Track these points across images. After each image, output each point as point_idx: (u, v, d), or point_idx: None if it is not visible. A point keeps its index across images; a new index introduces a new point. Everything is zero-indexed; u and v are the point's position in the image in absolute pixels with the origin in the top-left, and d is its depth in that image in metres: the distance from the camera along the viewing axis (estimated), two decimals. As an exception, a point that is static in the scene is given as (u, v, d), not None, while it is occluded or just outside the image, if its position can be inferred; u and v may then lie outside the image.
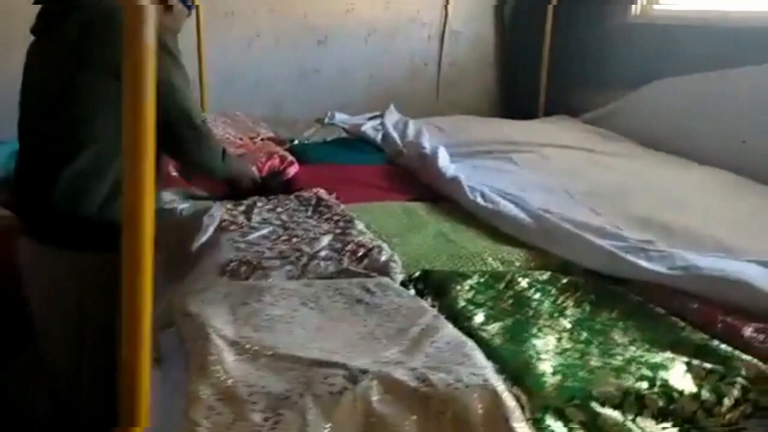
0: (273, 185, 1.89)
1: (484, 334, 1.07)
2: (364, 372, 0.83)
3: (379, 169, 2.23)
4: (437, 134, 2.69)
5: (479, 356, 0.92)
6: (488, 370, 0.88)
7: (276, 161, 2.13)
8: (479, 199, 1.76)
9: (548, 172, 2.21)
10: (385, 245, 1.40)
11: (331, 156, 2.38)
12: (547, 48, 3.35)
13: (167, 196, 1.73)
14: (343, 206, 1.65)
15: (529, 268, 1.44)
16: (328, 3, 3.39)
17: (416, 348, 0.96)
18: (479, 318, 1.16)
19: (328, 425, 0.75)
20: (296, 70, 3.43)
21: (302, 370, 0.85)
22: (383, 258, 1.33)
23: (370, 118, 2.95)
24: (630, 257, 1.37)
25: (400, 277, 1.30)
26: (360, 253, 1.34)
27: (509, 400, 0.82)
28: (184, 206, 1.52)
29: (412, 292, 1.25)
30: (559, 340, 1.09)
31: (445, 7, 3.57)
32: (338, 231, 1.44)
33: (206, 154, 1.55)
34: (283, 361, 0.87)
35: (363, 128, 2.78)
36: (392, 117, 2.89)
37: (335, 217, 1.53)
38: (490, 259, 1.46)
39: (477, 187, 1.87)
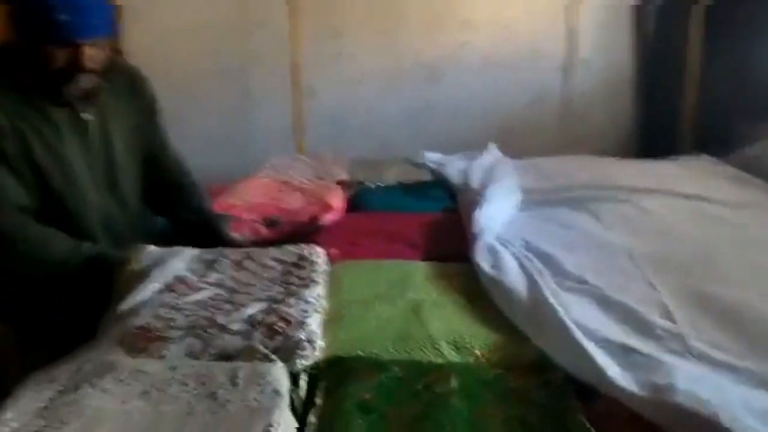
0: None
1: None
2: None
3: (431, 219, 2.01)
4: (534, 177, 2.41)
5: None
6: None
7: (315, 207, 2.05)
8: (484, 263, 1.48)
9: (627, 227, 1.83)
10: (315, 320, 1.22)
11: (391, 202, 2.22)
12: (695, 71, 2.83)
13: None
14: (323, 267, 1.49)
15: (493, 361, 1.15)
16: (440, 38, 3.24)
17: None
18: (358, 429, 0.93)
19: None
20: (406, 108, 3.33)
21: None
22: (299, 336, 1.15)
23: (467, 158, 2.72)
24: (599, 359, 1.02)
25: (305, 363, 1.11)
26: (277, 328, 1.17)
27: None
28: (149, 251, 1.47)
29: (303, 383, 1.05)
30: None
31: (572, 35, 3.22)
32: (279, 298, 1.29)
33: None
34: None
35: (446, 170, 2.57)
36: (488, 157, 2.64)
37: (296, 280, 1.38)
38: (444, 344, 1.20)
39: (500, 246, 1.59)
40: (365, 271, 1.53)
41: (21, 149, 1.40)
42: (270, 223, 2.01)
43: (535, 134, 3.28)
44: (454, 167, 2.56)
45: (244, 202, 2.08)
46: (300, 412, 1.01)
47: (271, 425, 0.89)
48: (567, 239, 1.74)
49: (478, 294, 1.41)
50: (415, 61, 3.25)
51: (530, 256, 1.58)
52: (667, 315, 1.33)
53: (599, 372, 1.02)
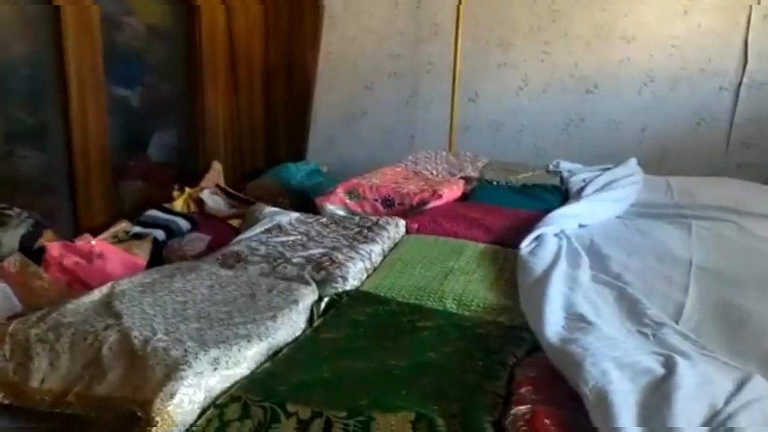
0: None
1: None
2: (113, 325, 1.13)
3: (524, 214, 2.22)
4: (659, 193, 2.49)
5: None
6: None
7: (426, 194, 2.37)
8: (524, 247, 1.69)
9: (712, 245, 1.88)
10: (356, 266, 1.57)
11: (500, 197, 2.45)
12: None
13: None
14: (393, 234, 1.83)
15: (481, 317, 1.39)
16: (601, 52, 3.34)
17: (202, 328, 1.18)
18: (329, 333, 1.26)
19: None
20: (562, 119, 3.47)
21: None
22: (337, 273, 1.51)
23: (605, 169, 2.83)
24: (550, 319, 1.22)
25: (333, 291, 1.46)
26: (323, 265, 1.54)
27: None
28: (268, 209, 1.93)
29: (323, 305, 1.40)
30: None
31: (745, 53, 3.10)
32: (338, 247, 1.66)
33: None
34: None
35: (573, 177, 2.72)
36: (620, 170, 2.74)
37: (361, 238, 1.74)
38: (450, 299, 1.46)
39: (552, 238, 1.78)
40: (426, 242, 1.82)
41: None
42: (386, 202, 2.38)
43: (697, 156, 3.21)
44: (580, 176, 2.70)
45: (370, 182, 2.47)
46: (313, 321, 1.36)
47: (275, 316, 1.26)
48: (634, 245, 1.85)
49: (510, 272, 1.63)
50: (573, 74, 3.38)
51: (579, 249, 1.74)
52: (676, 315, 1.43)
53: (543, 326, 1.21)
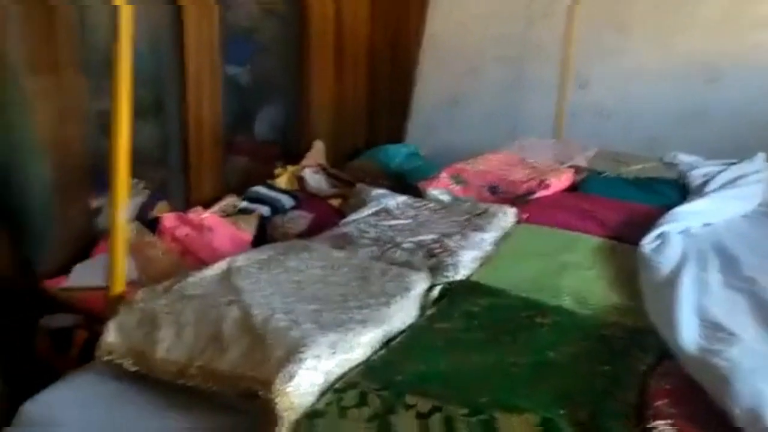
0: None
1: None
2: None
3: (640, 209, 2.10)
4: None
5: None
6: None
7: (534, 183, 2.29)
8: (646, 245, 1.59)
9: None
10: (468, 254, 1.53)
11: (613, 190, 2.33)
12: None
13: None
14: (504, 223, 1.77)
15: (603, 317, 1.32)
16: (727, 38, 3.10)
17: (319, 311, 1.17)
18: (442, 323, 1.23)
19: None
20: (680, 108, 3.26)
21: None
22: (448, 261, 1.47)
23: (729, 164, 2.65)
24: (684, 325, 1.13)
25: (445, 280, 1.42)
26: (435, 252, 1.51)
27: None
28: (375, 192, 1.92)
29: (435, 293, 1.37)
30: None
31: None
32: (450, 234, 1.62)
33: None
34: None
35: (693, 172, 2.55)
36: (747, 165, 2.55)
37: (472, 226, 1.69)
38: (567, 296, 1.40)
39: (676, 236, 1.67)
40: (538, 233, 1.75)
41: None
42: (492, 189, 2.32)
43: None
44: (701, 171, 2.53)
45: (476, 168, 2.41)
46: (425, 308, 1.33)
47: (389, 302, 1.24)
48: (764, 247, 1.70)
49: (629, 270, 1.54)
50: (695, 61, 3.16)
51: (706, 249, 1.62)
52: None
53: (676, 332, 1.13)
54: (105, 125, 2.49)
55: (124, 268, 1.26)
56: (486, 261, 1.58)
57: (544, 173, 2.41)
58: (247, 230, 2.41)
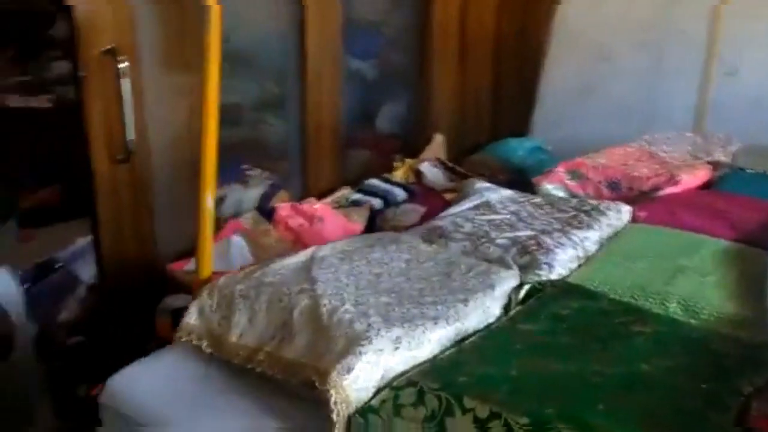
0: None
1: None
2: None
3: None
4: None
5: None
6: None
7: (662, 179, 2.11)
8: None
9: None
10: (566, 253, 1.42)
11: (754, 188, 2.08)
12: None
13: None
14: (614, 221, 1.63)
15: (712, 333, 1.17)
16: None
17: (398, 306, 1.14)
18: (526, 325, 1.15)
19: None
20: None
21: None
22: (543, 260, 1.38)
23: None
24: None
25: (536, 279, 1.33)
26: (529, 249, 1.42)
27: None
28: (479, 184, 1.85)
29: (523, 292, 1.28)
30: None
31: None
32: (548, 230, 1.52)
33: None
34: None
35: None
36: None
37: (576, 223, 1.58)
38: (675, 303, 1.25)
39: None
40: (655, 234, 1.59)
41: None
42: (612, 185, 2.15)
43: None
44: None
45: (596, 162, 2.25)
46: (510, 308, 1.25)
47: (467, 299, 1.18)
48: None
49: (756, 277, 1.35)
50: None
51: None
52: None
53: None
54: (227, 119, 2.64)
55: (210, 252, 1.31)
56: (587, 261, 1.46)
57: (675, 169, 2.20)
58: (358, 221, 2.43)
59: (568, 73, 3.56)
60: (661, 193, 2.01)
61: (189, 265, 2.20)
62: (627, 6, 3.35)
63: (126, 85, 1.88)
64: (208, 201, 1.26)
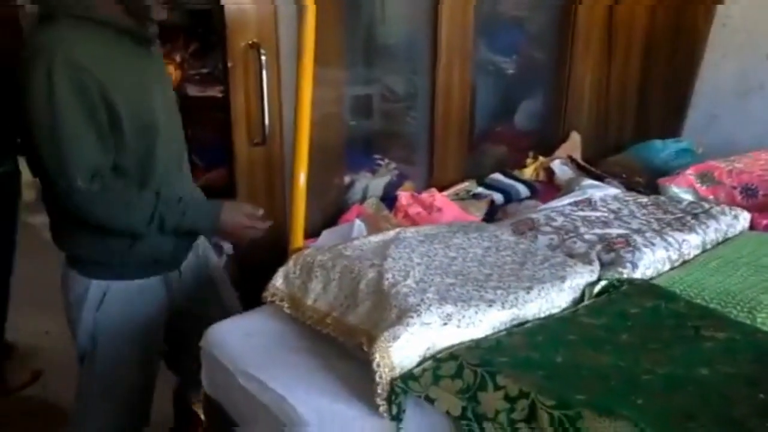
0: None
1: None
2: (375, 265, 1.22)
3: None
4: None
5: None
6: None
7: None
8: None
9: None
10: (653, 253, 1.37)
11: None
12: None
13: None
14: (722, 226, 1.55)
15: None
16: None
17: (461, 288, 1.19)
18: (589, 318, 1.15)
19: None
20: None
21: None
22: (627, 258, 1.35)
23: None
24: None
25: (617, 276, 1.31)
26: (615, 247, 1.39)
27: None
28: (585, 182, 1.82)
29: (598, 288, 1.27)
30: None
31: None
32: (642, 230, 1.47)
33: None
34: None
35: None
36: None
37: (677, 225, 1.52)
38: (764, 313, 1.17)
39: None
40: (768, 242, 1.48)
41: (104, 100, 1.31)
42: (747, 191, 2.01)
43: None
44: None
45: (732, 166, 2.09)
46: (580, 302, 1.25)
47: (531, 287, 1.19)
48: None
49: None
50: None
51: None
52: None
53: None
54: (357, 109, 2.79)
55: (302, 225, 1.43)
56: (683, 264, 1.40)
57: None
58: (476, 214, 2.48)
59: (727, 72, 3.31)
60: None
61: (316, 242, 2.38)
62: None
63: (266, 75, 2.07)
64: (301, 179, 1.39)
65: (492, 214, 2.48)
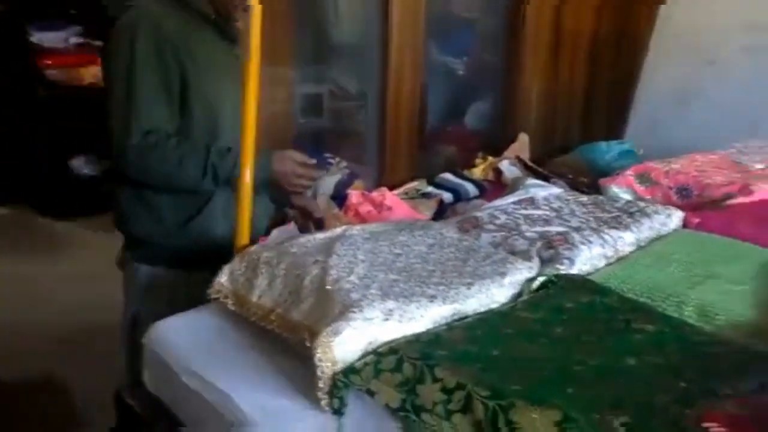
0: None
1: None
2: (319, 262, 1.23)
3: None
4: None
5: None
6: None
7: (734, 188, 2.02)
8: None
9: None
10: (590, 251, 1.43)
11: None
12: None
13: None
14: (655, 225, 1.61)
15: (718, 338, 1.15)
16: None
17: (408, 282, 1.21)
18: (526, 313, 1.19)
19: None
20: None
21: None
22: (565, 254, 1.40)
23: None
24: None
25: (554, 272, 1.35)
26: (554, 244, 1.44)
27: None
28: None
29: (536, 284, 1.31)
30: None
31: None
32: (580, 228, 1.53)
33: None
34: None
35: None
36: None
37: (613, 222, 1.57)
38: (691, 307, 1.23)
39: None
40: (700, 240, 1.55)
41: (179, 64, 1.46)
42: (682, 192, 2.09)
43: None
44: None
45: (669, 167, 2.18)
46: (518, 297, 1.29)
47: (472, 283, 1.23)
48: None
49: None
50: None
51: None
52: None
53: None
54: (307, 108, 2.79)
55: (248, 223, 1.44)
56: (618, 261, 1.45)
57: (755, 179, 2.09)
58: (426, 213, 2.51)
59: (668, 76, 3.43)
60: (732, 202, 1.92)
61: (266, 241, 2.37)
62: (737, 7, 3.18)
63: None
64: (247, 176, 1.39)
65: (441, 213, 2.52)
